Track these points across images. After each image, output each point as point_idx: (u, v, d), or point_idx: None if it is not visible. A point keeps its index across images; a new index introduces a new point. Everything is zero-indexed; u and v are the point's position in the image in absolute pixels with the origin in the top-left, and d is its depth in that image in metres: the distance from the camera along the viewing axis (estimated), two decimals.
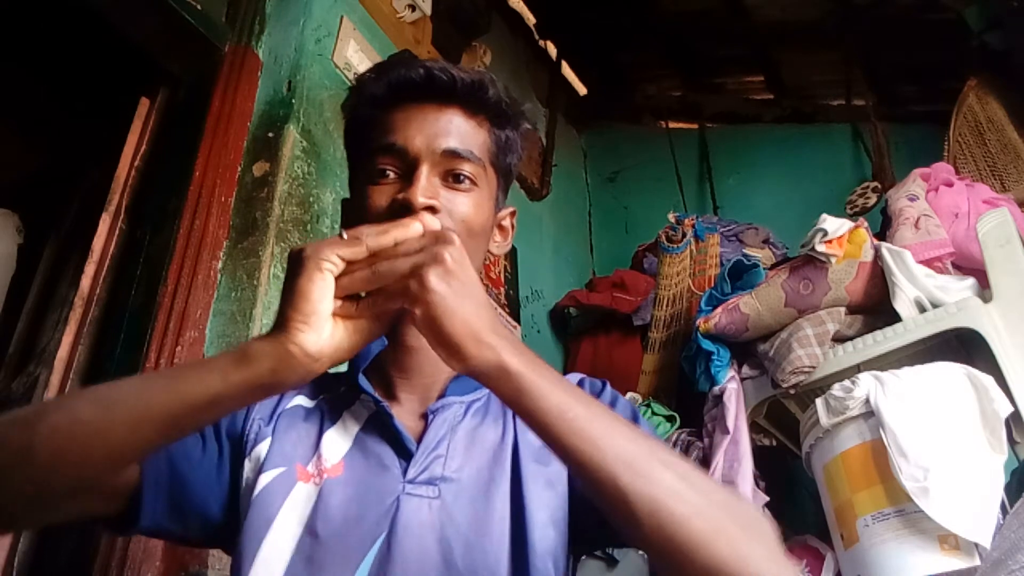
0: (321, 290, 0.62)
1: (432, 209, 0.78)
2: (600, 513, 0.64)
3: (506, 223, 0.94)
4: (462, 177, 0.82)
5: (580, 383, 0.90)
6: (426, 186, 0.79)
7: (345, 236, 0.63)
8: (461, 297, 0.61)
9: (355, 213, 0.87)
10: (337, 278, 0.63)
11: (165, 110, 1.89)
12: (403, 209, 0.78)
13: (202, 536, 0.81)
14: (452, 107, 0.83)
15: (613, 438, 0.62)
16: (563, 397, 0.62)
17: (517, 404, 0.63)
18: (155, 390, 0.65)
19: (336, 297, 0.63)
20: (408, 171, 0.81)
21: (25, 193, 2.75)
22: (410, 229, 0.64)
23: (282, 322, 0.62)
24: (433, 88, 0.83)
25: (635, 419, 0.83)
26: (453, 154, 0.81)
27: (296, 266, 0.63)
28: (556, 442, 0.62)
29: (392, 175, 0.82)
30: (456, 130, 0.83)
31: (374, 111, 0.85)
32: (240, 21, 1.89)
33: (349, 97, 0.89)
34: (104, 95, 2.23)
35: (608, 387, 0.89)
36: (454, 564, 0.72)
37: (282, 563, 0.73)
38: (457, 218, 0.80)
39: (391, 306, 0.65)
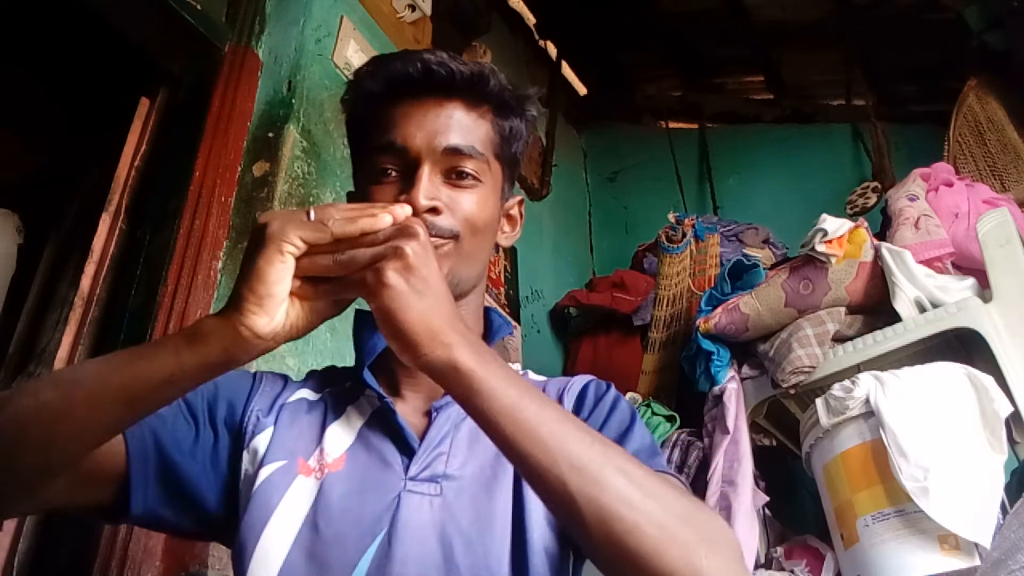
0: (279, 272, 0.60)
1: (435, 210, 0.78)
2: None
3: (514, 212, 0.93)
4: (465, 174, 0.80)
5: (586, 386, 0.88)
6: (428, 187, 0.77)
7: (312, 215, 0.62)
8: (418, 293, 0.60)
9: None
10: (298, 259, 0.61)
11: (165, 110, 1.89)
12: None
13: (199, 528, 0.81)
14: (452, 101, 0.82)
15: (565, 441, 0.60)
16: (515, 398, 0.61)
17: (468, 404, 0.62)
18: (112, 370, 0.65)
19: (294, 277, 0.62)
20: (409, 170, 0.79)
21: (25, 193, 2.75)
22: (379, 220, 0.62)
23: (236, 301, 0.61)
24: (431, 82, 0.81)
25: (632, 422, 0.82)
26: (455, 151, 0.80)
27: (258, 242, 0.61)
28: (505, 444, 0.62)
29: (393, 174, 0.80)
30: (457, 125, 0.81)
31: (373, 108, 0.83)
32: (240, 21, 1.89)
33: (347, 92, 0.87)
34: (104, 95, 2.22)
35: (612, 389, 0.88)
36: (455, 562, 0.72)
37: (281, 556, 0.72)
38: (461, 216, 0.79)
39: (348, 295, 0.64)
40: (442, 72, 0.80)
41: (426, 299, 0.61)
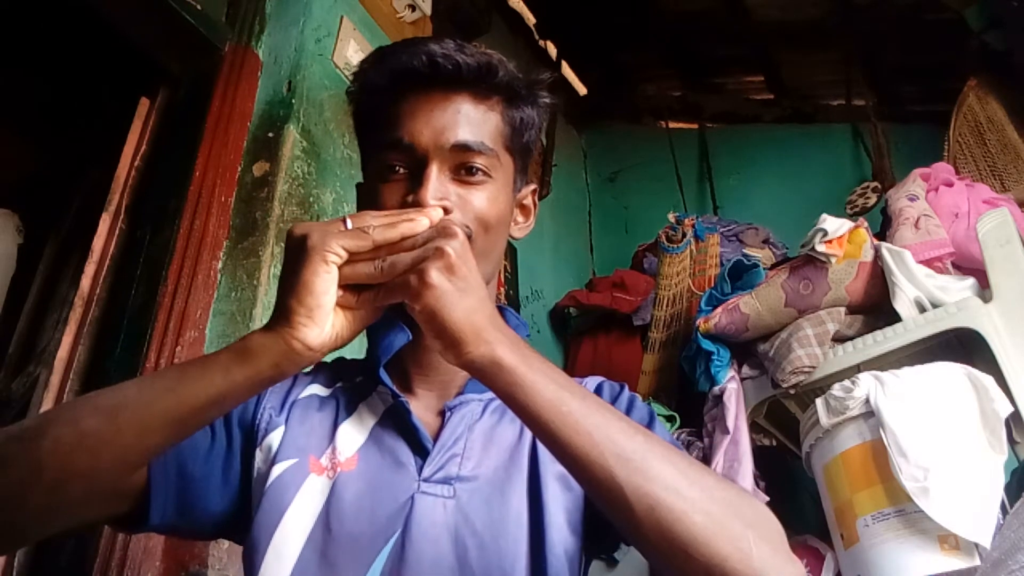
0: (326, 283, 0.61)
1: (444, 210, 0.76)
2: None
3: (527, 202, 0.91)
4: (475, 170, 0.78)
5: (599, 387, 0.88)
6: (436, 186, 0.76)
7: (349, 223, 0.62)
8: (461, 292, 0.61)
9: (368, 205, 0.84)
10: (340, 269, 0.62)
11: (165, 110, 1.89)
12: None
13: (212, 530, 0.80)
14: (459, 94, 0.79)
15: (609, 433, 0.61)
16: (558, 392, 0.61)
17: (511, 399, 0.62)
18: (158, 393, 0.64)
19: (337, 285, 0.62)
20: (417, 167, 0.77)
21: (25, 193, 2.75)
22: (417, 223, 0.63)
23: (285, 314, 0.61)
24: (437, 76, 0.78)
25: (651, 421, 0.82)
26: (463, 148, 0.78)
27: (299, 254, 0.61)
28: (551, 437, 0.62)
29: (401, 171, 0.78)
30: (465, 120, 0.79)
31: (378, 101, 0.81)
32: (240, 21, 1.89)
33: (352, 83, 0.85)
34: (104, 95, 2.23)
35: (626, 389, 0.87)
36: (468, 565, 0.71)
37: (294, 555, 0.72)
38: (471, 215, 0.78)
39: (392, 300, 0.64)
40: (448, 65, 0.78)
41: (468, 297, 0.61)
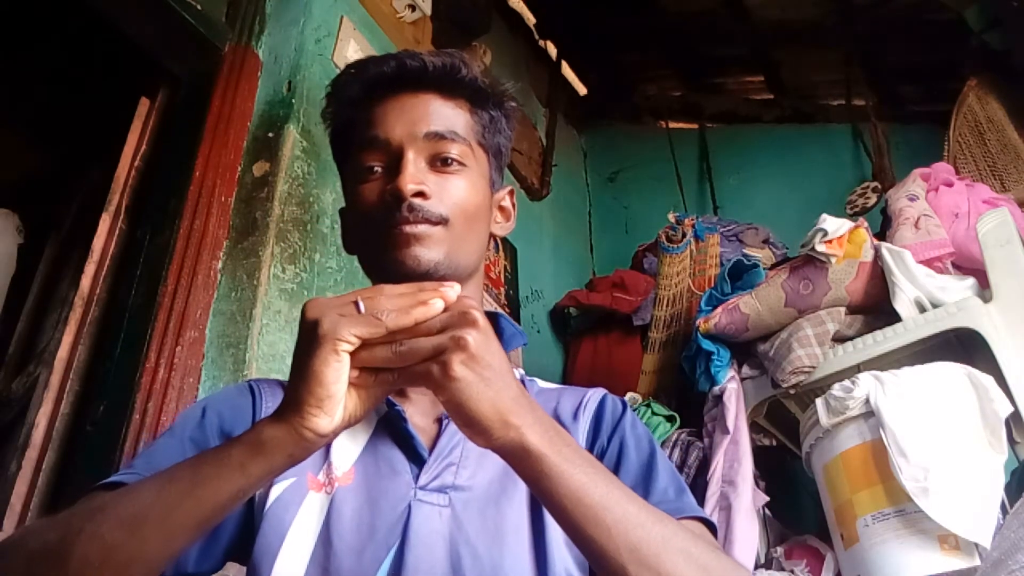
0: (336, 372, 0.59)
1: (422, 195, 0.77)
2: None
3: (506, 203, 0.93)
4: (449, 160, 0.81)
5: (603, 403, 0.88)
6: (413, 172, 0.78)
7: (362, 306, 0.60)
8: (486, 381, 0.59)
9: (352, 220, 0.87)
10: (357, 352, 0.60)
11: (165, 110, 1.89)
12: (394, 200, 0.77)
13: (223, 560, 0.80)
14: (428, 92, 0.83)
15: (626, 528, 0.61)
16: (583, 482, 0.62)
17: (536, 485, 0.62)
18: (177, 500, 0.62)
19: (352, 367, 0.60)
20: (394, 163, 0.80)
21: (25, 193, 2.75)
22: (431, 308, 0.61)
23: (295, 404, 0.60)
24: (406, 77, 0.82)
25: (654, 452, 0.82)
26: (436, 136, 0.80)
27: (311, 342, 0.60)
28: (569, 526, 0.63)
29: (379, 170, 0.81)
30: (435, 113, 0.82)
31: (353, 112, 0.84)
32: (240, 21, 1.89)
33: (327, 103, 0.88)
34: (104, 95, 2.23)
35: (628, 410, 0.88)
36: (462, 573, 0.72)
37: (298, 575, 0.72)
38: (449, 202, 0.79)
39: (413, 385, 0.63)
40: (415, 64, 0.82)
41: (494, 385, 0.60)
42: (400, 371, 0.61)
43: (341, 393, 0.60)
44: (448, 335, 0.59)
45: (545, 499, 0.63)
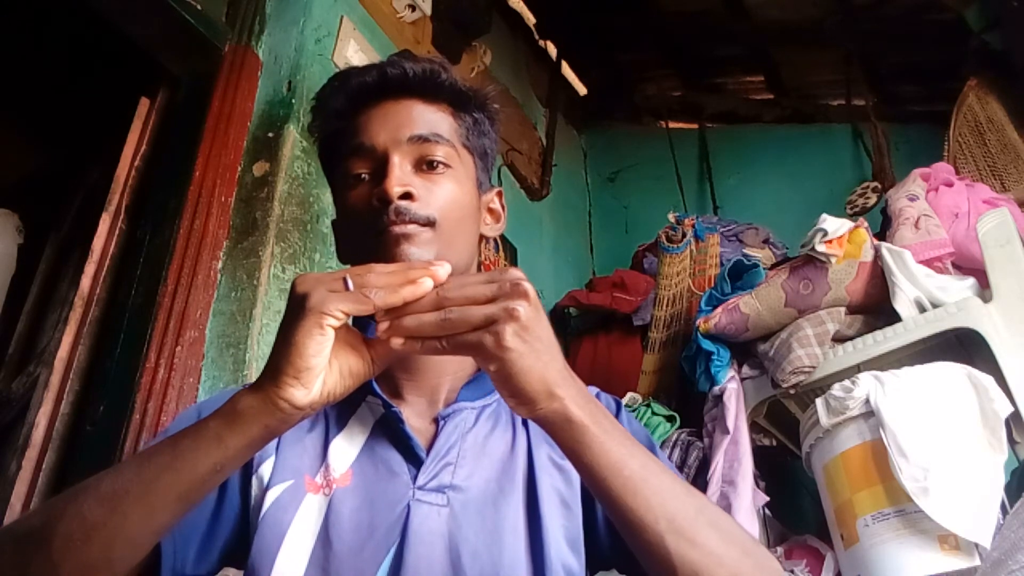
0: (318, 345, 0.60)
1: (409, 196, 0.78)
2: (614, 538, 0.66)
3: (495, 205, 0.93)
4: (435, 163, 0.82)
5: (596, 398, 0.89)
6: (399, 175, 0.79)
7: (350, 283, 0.60)
8: (536, 353, 0.60)
9: (343, 229, 0.88)
10: (401, 320, 0.60)
11: (165, 110, 1.89)
12: (381, 204, 0.78)
13: (219, 564, 0.80)
14: (410, 98, 0.84)
15: (663, 498, 0.64)
16: (621, 452, 0.64)
17: (575, 455, 0.64)
18: (156, 473, 0.63)
19: (399, 335, 0.61)
20: (380, 168, 0.80)
21: (25, 193, 2.75)
22: (420, 286, 0.61)
23: (273, 374, 0.61)
24: (388, 85, 0.84)
25: (651, 449, 0.82)
26: (420, 139, 0.81)
27: (296, 314, 0.60)
28: (607, 498, 0.64)
29: (365, 176, 0.82)
30: (419, 117, 0.83)
31: (339, 123, 0.85)
32: (240, 21, 1.89)
33: (313, 116, 0.89)
34: (104, 95, 2.23)
35: (623, 410, 0.89)
36: (463, 571, 0.72)
37: None
38: (436, 204, 0.80)
39: (462, 354, 0.62)
40: (396, 71, 0.83)
41: (542, 357, 0.61)
42: (449, 339, 0.61)
43: (320, 367, 0.61)
44: (500, 305, 0.60)
45: (585, 470, 0.64)
